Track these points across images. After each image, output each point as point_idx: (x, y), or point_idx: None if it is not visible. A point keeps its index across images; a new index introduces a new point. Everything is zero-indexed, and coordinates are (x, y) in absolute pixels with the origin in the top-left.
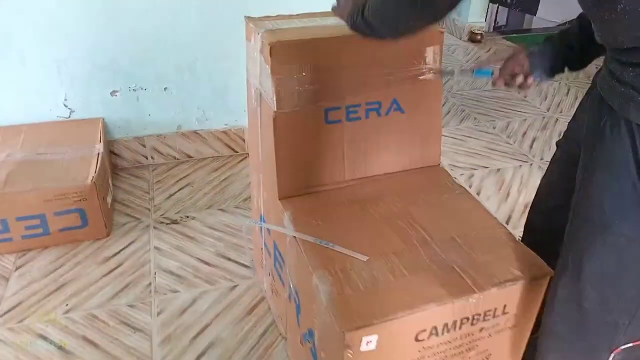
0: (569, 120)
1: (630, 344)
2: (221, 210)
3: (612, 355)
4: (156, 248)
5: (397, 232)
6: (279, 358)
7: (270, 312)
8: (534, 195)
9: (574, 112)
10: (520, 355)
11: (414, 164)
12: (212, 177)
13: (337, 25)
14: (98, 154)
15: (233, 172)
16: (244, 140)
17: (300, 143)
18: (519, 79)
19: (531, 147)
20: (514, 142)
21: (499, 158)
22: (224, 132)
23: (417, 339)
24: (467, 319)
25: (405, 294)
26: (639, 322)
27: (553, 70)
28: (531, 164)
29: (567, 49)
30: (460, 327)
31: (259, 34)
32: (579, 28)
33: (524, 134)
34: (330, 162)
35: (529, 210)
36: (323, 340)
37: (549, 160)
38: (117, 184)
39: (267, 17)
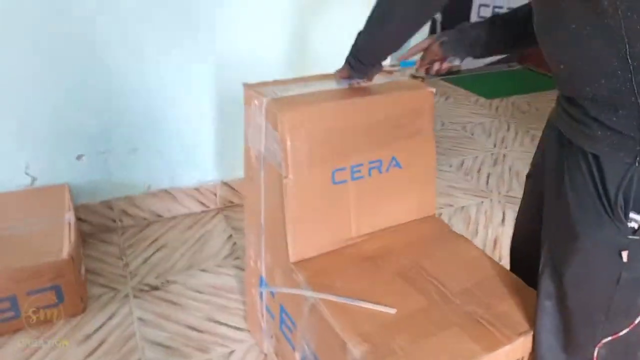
0: (516, 155)
1: (610, 338)
2: (202, 270)
3: (597, 349)
4: (140, 319)
5: (415, 287)
6: None
7: None
8: (499, 229)
9: (518, 146)
10: None
11: (414, 215)
12: (187, 236)
13: (332, 88)
14: (69, 223)
15: (207, 229)
16: (215, 195)
17: (309, 206)
18: (436, 66)
19: (487, 182)
20: (472, 179)
21: (461, 195)
22: (196, 189)
23: None
24: None
25: (443, 353)
26: (615, 318)
27: (468, 54)
28: (491, 199)
29: (476, 37)
30: None
31: (263, 101)
32: (501, 21)
33: (479, 170)
34: (338, 222)
35: (512, 242)
36: None
37: (509, 194)
38: (85, 252)
39: (264, 83)
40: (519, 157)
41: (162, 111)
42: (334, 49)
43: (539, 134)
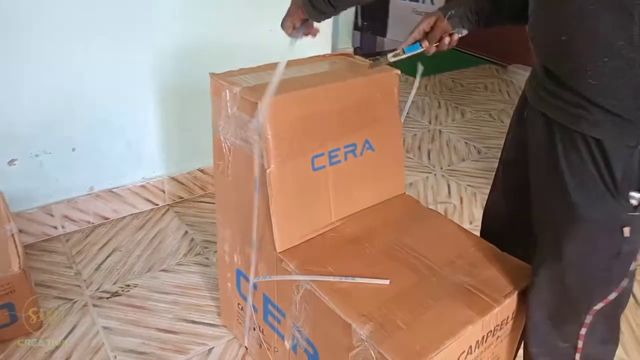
0: (450, 130)
1: (602, 304)
2: (163, 271)
3: (588, 317)
4: (105, 328)
5: (403, 264)
6: None
7: None
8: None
9: (450, 122)
10: (514, 351)
11: (387, 194)
12: (139, 236)
13: (301, 74)
14: (12, 234)
15: (160, 227)
16: (163, 192)
17: (292, 195)
18: (446, 41)
19: (429, 158)
20: (414, 156)
21: (407, 172)
22: (142, 187)
23: None
24: (491, 331)
25: (443, 322)
26: (608, 286)
27: (473, 26)
28: (435, 174)
29: (480, 9)
30: (486, 341)
31: (235, 91)
32: None
33: (419, 147)
34: (319, 208)
35: (483, 224)
36: None
37: (450, 168)
38: (28, 264)
39: (231, 73)
40: (453, 132)
41: (101, 107)
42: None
43: (468, 109)
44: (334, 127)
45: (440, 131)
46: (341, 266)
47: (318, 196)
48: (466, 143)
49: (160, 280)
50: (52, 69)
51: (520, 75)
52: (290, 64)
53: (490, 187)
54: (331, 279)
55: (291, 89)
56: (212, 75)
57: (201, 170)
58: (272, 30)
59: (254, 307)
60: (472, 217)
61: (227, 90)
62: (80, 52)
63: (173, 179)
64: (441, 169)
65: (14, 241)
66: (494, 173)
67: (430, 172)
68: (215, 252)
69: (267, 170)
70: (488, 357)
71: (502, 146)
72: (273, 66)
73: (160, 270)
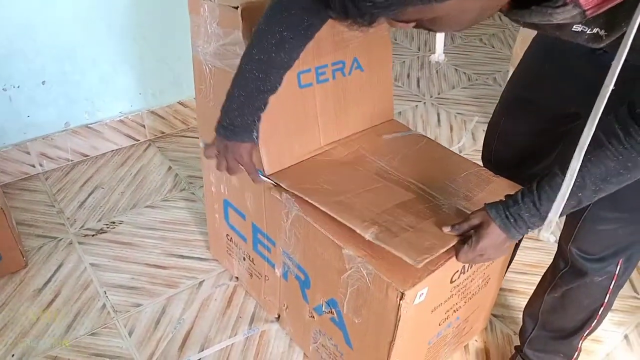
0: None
1: None
2: (149, 207)
3: None
4: (93, 265)
5: (398, 185)
6: (277, 338)
7: (249, 298)
8: (437, 130)
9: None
10: (504, 274)
11: (375, 119)
12: (121, 173)
13: None
14: None
15: (142, 163)
16: (144, 127)
17: (278, 113)
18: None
19: (418, 86)
20: (403, 85)
21: (396, 101)
22: (120, 121)
23: (451, 281)
24: None
25: (435, 239)
26: None
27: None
28: (424, 103)
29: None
30: None
31: (214, 4)
32: None
33: (408, 75)
34: (306, 129)
35: (488, 145)
36: (359, 305)
37: (440, 96)
38: (8, 205)
39: None
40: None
41: (66, 36)
42: None
43: (459, 34)
44: (321, 41)
45: (429, 57)
46: (334, 185)
47: (305, 117)
48: (456, 69)
49: (146, 217)
50: None
51: None
52: None
53: (496, 113)
54: (323, 208)
55: None
56: None
57: (181, 104)
58: None
59: (243, 236)
60: (462, 146)
61: (206, 5)
62: None
63: (152, 112)
64: (431, 97)
65: None
66: (483, 100)
67: (420, 101)
68: (201, 187)
69: None
70: (480, 277)
71: (507, 77)
72: None
73: (146, 207)
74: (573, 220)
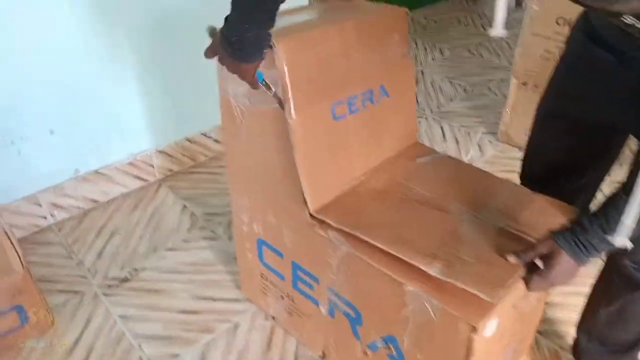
0: (433, 70)
1: None
2: (171, 250)
3: None
4: (122, 317)
5: (444, 211)
6: None
7: (289, 337)
8: (444, 145)
9: (431, 61)
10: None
11: (402, 143)
12: (136, 216)
13: (312, 17)
14: (3, 230)
15: (155, 205)
16: (152, 167)
17: (317, 148)
18: None
19: (417, 102)
20: None
21: None
22: (130, 164)
23: (514, 307)
24: None
25: (501, 270)
26: None
27: None
28: (426, 118)
29: None
30: None
31: None
32: None
33: None
34: (343, 160)
35: (525, 162)
36: (422, 340)
37: (440, 110)
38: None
39: None
40: (436, 72)
41: (75, 81)
42: None
43: (446, 46)
44: (351, 71)
45: (422, 72)
46: (383, 220)
47: (341, 149)
48: (450, 82)
49: (169, 260)
50: (10, 39)
51: (490, 7)
52: (293, 11)
53: (532, 130)
54: (382, 246)
55: (303, 29)
56: (210, 26)
57: (189, 140)
58: None
59: (280, 274)
60: (470, 159)
61: None
62: (40, 14)
63: (161, 152)
64: (431, 112)
65: (8, 237)
66: (483, 110)
67: (422, 117)
68: (220, 223)
69: (290, 122)
70: (534, 297)
71: (544, 81)
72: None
73: (167, 250)
74: None
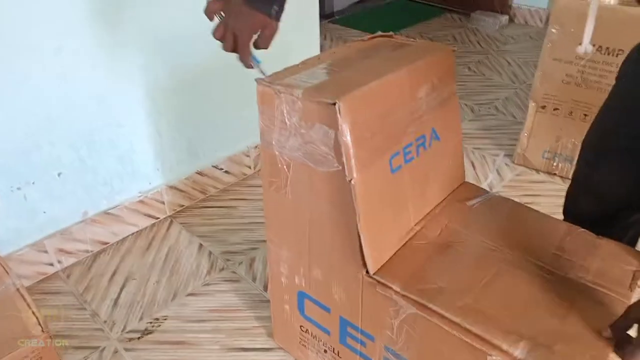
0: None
1: None
2: (192, 295)
3: None
4: None
5: (512, 266)
6: None
7: None
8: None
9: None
10: None
11: (452, 185)
12: (150, 259)
13: (362, 64)
14: (17, 289)
15: (169, 243)
16: (163, 203)
17: (376, 205)
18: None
19: None
20: None
21: None
22: (140, 202)
23: None
24: None
25: (590, 326)
26: None
27: None
28: None
29: None
30: None
31: (296, 94)
32: None
33: None
34: (398, 214)
35: (574, 199)
36: None
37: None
38: None
39: (276, 75)
40: None
41: (83, 121)
42: None
43: None
44: (406, 119)
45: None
46: (448, 279)
47: (397, 202)
48: None
49: (191, 307)
50: (18, 83)
51: (485, 22)
52: (336, 53)
53: (583, 164)
54: (452, 317)
55: (357, 83)
56: (259, 81)
57: (200, 173)
58: None
59: (325, 329)
60: (490, 184)
61: (283, 96)
62: (45, 52)
63: (172, 187)
64: None
65: (23, 298)
66: (494, 131)
67: None
68: (241, 263)
69: (351, 182)
70: None
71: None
72: (312, 63)
73: (188, 295)
74: None
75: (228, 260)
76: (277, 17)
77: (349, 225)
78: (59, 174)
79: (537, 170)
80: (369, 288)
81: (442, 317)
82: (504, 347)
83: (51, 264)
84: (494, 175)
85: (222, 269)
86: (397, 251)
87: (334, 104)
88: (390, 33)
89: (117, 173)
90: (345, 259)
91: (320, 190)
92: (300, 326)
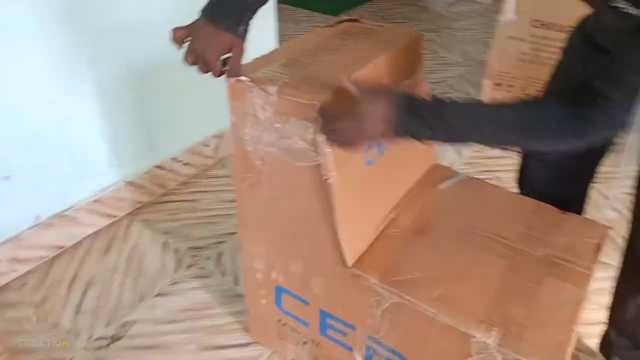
0: None
1: None
2: (160, 295)
3: None
4: None
5: (483, 250)
6: None
7: None
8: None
9: None
10: None
11: (423, 167)
12: (111, 260)
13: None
14: None
15: (131, 243)
16: (121, 200)
17: (352, 198)
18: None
19: None
20: None
21: None
22: (97, 201)
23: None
24: None
25: (558, 307)
26: None
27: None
28: None
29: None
30: None
31: (270, 90)
32: None
33: None
34: (373, 204)
35: (524, 170)
36: None
37: None
38: None
39: (247, 67)
40: None
41: (30, 119)
42: None
43: None
44: None
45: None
46: (423, 268)
47: (372, 193)
48: None
49: (160, 309)
50: None
51: (434, 1)
52: (306, 42)
53: None
54: (425, 306)
55: (337, 76)
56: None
57: (158, 167)
58: None
59: (304, 321)
60: (451, 163)
61: (256, 91)
62: None
63: (130, 183)
64: None
65: None
66: None
67: None
68: (209, 258)
69: (328, 180)
70: None
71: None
72: (281, 53)
73: (156, 296)
74: None
75: (195, 256)
76: (244, 37)
77: (330, 218)
78: (6, 178)
79: None
80: (350, 280)
81: (427, 306)
82: (478, 335)
83: (5, 274)
84: (453, 154)
85: (189, 266)
86: (373, 243)
87: (312, 103)
88: (356, 17)
89: (70, 173)
90: (325, 252)
91: (299, 184)
92: (278, 320)
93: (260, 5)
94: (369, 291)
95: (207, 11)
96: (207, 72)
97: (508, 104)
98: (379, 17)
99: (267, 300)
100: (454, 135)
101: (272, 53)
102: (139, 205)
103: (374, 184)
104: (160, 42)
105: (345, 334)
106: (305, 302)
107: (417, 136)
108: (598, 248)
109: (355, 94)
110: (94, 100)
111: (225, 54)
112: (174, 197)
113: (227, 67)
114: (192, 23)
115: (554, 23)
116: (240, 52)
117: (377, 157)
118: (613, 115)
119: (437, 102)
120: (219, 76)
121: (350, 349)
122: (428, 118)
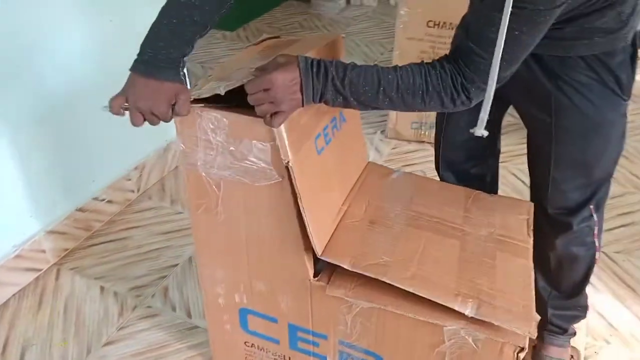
0: None
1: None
2: (109, 344)
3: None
4: None
5: (437, 233)
6: None
7: None
8: None
9: None
10: None
11: (360, 166)
12: (45, 318)
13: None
14: None
15: (62, 295)
16: (44, 252)
17: (313, 189)
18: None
19: None
20: None
21: None
22: (17, 257)
23: None
24: None
25: (514, 277)
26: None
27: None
28: None
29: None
30: None
31: (217, 115)
32: None
33: None
34: (330, 195)
35: (440, 152)
36: None
37: None
38: None
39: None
40: None
41: None
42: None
43: None
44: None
45: None
46: (388, 253)
47: (327, 183)
48: None
49: (113, 357)
50: None
51: (325, 7)
52: (238, 60)
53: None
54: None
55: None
56: None
57: (80, 210)
58: (112, 21)
59: (273, 339)
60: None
61: (205, 115)
62: None
63: (51, 232)
64: None
65: None
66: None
67: None
68: (154, 295)
69: (289, 164)
70: None
71: None
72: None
73: (104, 345)
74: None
75: (138, 296)
76: (186, 80)
77: (292, 233)
78: None
79: (409, 141)
80: (318, 291)
81: (388, 294)
82: (456, 307)
83: None
84: (374, 153)
85: (134, 307)
86: (334, 234)
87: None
88: (278, 35)
89: None
90: (289, 267)
91: (259, 205)
92: (245, 342)
93: (201, 37)
94: (338, 299)
95: (142, 67)
96: (157, 124)
97: (403, 66)
98: (276, 29)
99: (232, 324)
100: (359, 95)
101: (208, 74)
102: (65, 254)
103: (327, 174)
104: (69, 77)
105: (317, 345)
106: (273, 320)
107: (327, 98)
108: (528, 223)
109: (266, 68)
110: (1, 145)
111: (173, 101)
112: (101, 239)
113: (175, 111)
114: (128, 86)
115: (446, 22)
116: (187, 96)
117: (325, 147)
118: (479, 66)
119: (340, 64)
120: (169, 121)
121: (324, 358)
122: (336, 80)
